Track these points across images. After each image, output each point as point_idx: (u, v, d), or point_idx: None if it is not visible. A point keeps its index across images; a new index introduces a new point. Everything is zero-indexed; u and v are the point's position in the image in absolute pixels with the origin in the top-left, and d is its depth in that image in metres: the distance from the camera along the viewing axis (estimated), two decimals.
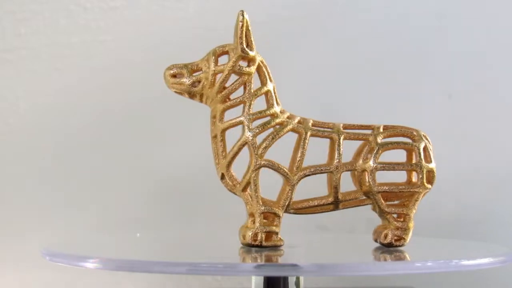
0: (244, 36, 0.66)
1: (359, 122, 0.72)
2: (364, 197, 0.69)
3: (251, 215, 0.67)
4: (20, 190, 0.94)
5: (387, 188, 0.68)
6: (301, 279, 0.67)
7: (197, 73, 0.67)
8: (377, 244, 0.71)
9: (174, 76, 0.67)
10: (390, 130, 0.70)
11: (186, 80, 0.67)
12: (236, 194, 0.68)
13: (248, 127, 0.67)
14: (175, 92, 0.67)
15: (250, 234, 0.66)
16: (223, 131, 0.67)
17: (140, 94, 0.95)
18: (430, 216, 0.92)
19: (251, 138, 0.66)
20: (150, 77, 0.95)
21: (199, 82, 0.66)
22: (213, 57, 0.67)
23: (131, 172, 0.94)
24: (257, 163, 0.66)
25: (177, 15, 0.95)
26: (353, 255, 0.68)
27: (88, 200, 0.94)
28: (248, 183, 0.66)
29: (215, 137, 0.68)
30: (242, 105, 0.67)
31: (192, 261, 0.58)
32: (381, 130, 0.69)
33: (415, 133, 0.69)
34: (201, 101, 0.68)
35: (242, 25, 0.66)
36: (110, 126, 0.95)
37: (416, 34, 0.94)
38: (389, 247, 0.70)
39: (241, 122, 0.67)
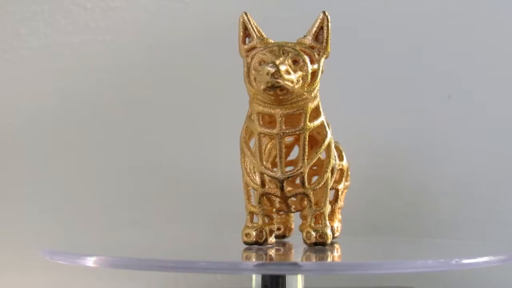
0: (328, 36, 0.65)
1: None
2: None
3: (320, 215, 0.65)
4: (20, 190, 0.94)
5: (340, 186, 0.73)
6: (301, 278, 0.67)
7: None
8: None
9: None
10: None
11: (294, 77, 0.63)
12: (284, 197, 0.65)
13: (328, 127, 0.66)
14: (275, 88, 0.62)
15: (321, 233, 0.65)
16: (312, 131, 0.65)
17: (140, 94, 0.95)
18: (430, 216, 0.92)
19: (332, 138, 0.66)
20: (150, 77, 0.95)
21: (298, 80, 0.63)
22: (304, 56, 0.64)
23: (131, 172, 0.94)
24: (333, 162, 0.66)
25: (177, 15, 0.95)
26: (352, 254, 0.68)
27: (88, 200, 0.94)
28: (325, 182, 0.66)
29: (281, 136, 0.64)
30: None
31: (192, 260, 0.58)
32: None
33: None
34: (277, 99, 0.63)
35: (328, 26, 0.65)
36: (110, 126, 0.95)
37: (416, 33, 0.95)
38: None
39: (323, 123, 0.65)
